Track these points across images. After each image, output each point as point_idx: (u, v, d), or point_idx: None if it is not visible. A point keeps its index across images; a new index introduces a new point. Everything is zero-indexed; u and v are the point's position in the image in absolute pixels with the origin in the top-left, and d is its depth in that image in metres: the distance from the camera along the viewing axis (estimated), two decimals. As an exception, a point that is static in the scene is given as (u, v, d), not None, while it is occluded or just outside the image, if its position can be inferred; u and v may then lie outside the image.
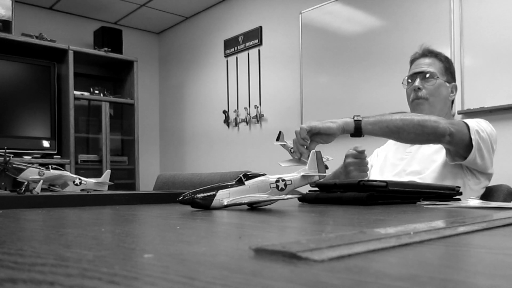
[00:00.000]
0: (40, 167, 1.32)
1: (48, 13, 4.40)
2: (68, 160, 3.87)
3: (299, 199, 1.05)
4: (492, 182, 1.48)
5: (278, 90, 3.75)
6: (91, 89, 4.28)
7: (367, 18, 3.13)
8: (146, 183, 4.41)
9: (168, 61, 5.04)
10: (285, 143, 1.21)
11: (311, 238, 0.39)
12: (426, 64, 1.51)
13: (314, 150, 0.94)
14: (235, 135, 4.15)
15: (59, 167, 1.37)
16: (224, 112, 4.19)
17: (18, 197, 1.03)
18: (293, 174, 0.91)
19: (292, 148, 1.20)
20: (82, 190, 1.46)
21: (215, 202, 0.82)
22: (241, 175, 0.86)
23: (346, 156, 1.43)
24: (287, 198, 0.83)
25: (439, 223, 0.49)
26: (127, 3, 4.32)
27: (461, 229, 0.45)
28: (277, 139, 1.21)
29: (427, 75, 1.49)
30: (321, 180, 0.97)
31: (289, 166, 1.14)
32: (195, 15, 4.66)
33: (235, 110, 4.11)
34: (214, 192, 0.82)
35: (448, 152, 1.36)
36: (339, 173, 1.48)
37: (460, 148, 1.30)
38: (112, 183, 1.61)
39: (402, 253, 0.33)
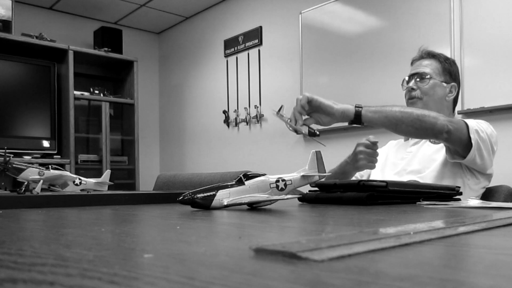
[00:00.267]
0: (40, 167, 1.32)
1: (48, 13, 4.40)
2: (68, 160, 3.87)
3: (299, 199, 1.05)
4: (493, 183, 1.48)
5: (278, 90, 3.75)
6: (91, 89, 4.28)
7: (367, 18, 3.13)
8: (146, 183, 4.41)
9: (168, 61, 5.04)
10: (283, 115, 1.23)
11: (311, 238, 0.39)
12: (423, 66, 1.55)
13: (314, 150, 0.94)
14: (235, 135, 4.15)
15: (59, 167, 1.37)
16: (224, 112, 4.19)
17: (18, 197, 1.03)
18: (293, 174, 0.91)
19: (289, 118, 1.22)
20: (82, 190, 1.46)
21: (215, 202, 0.82)
22: (241, 175, 0.86)
23: (358, 145, 1.45)
24: (287, 198, 0.83)
25: (439, 223, 0.49)
26: (127, 3, 4.32)
27: (461, 229, 0.45)
28: (278, 111, 1.23)
29: (422, 76, 1.52)
30: (321, 180, 0.97)
31: (281, 119, 1.20)
32: (195, 15, 4.66)
33: (235, 110, 4.11)
34: (214, 192, 0.82)
35: (448, 150, 1.36)
36: (345, 163, 1.51)
37: (458, 146, 1.31)
38: (112, 183, 1.61)
39: (402, 253, 0.33)
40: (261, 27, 3.93)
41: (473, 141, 1.27)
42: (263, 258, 0.30)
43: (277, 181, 0.88)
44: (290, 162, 3.58)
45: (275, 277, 0.25)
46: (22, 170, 1.27)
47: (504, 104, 2.38)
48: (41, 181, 1.26)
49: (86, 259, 0.31)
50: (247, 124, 4.02)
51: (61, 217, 0.75)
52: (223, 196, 0.82)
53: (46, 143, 3.91)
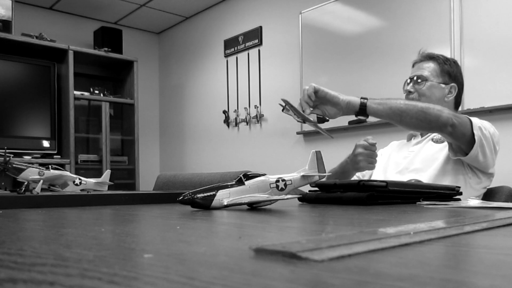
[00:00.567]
0: (40, 167, 1.32)
1: (48, 13, 4.40)
2: (68, 160, 3.87)
3: (299, 199, 1.05)
4: (494, 184, 1.48)
5: (278, 90, 3.74)
6: (91, 89, 4.28)
7: (367, 18, 3.13)
8: (146, 183, 4.41)
9: (168, 61, 5.04)
10: (289, 110, 1.23)
11: (311, 238, 0.39)
12: (420, 69, 1.57)
13: (314, 150, 0.94)
14: (235, 135, 4.15)
15: (59, 167, 1.37)
16: (224, 112, 4.19)
17: (18, 197, 1.03)
18: (293, 174, 0.91)
19: (295, 108, 1.24)
20: (82, 190, 1.46)
21: (215, 202, 0.82)
22: (241, 175, 0.86)
23: (357, 146, 1.46)
24: (287, 198, 0.83)
25: (439, 223, 0.49)
26: (127, 3, 4.32)
27: (461, 229, 0.45)
28: (284, 107, 1.23)
29: (419, 79, 1.54)
30: (321, 180, 0.97)
31: (287, 113, 1.21)
32: (195, 15, 4.66)
33: (235, 110, 4.11)
34: (214, 192, 0.82)
35: (451, 147, 1.37)
36: (346, 163, 1.52)
37: (461, 142, 1.31)
38: (112, 183, 1.61)
39: (402, 253, 0.33)
40: (261, 27, 3.93)
41: (476, 137, 1.28)
42: (263, 258, 0.30)
43: (277, 181, 0.88)
44: (290, 162, 3.58)
45: (275, 277, 0.25)
46: (22, 170, 1.27)
47: (504, 104, 2.38)
48: (41, 181, 1.26)
49: (86, 259, 0.31)
50: (247, 124, 4.02)
51: (61, 217, 0.75)
52: (223, 196, 0.82)
53: (46, 143, 3.91)
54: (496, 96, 2.41)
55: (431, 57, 1.58)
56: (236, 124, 4.11)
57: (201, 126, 4.54)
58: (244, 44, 4.06)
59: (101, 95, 4.30)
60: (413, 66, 1.63)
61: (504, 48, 2.39)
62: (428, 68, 1.55)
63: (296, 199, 1.04)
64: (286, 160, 3.64)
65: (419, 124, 1.28)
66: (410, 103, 1.28)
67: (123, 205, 1.07)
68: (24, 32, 3.94)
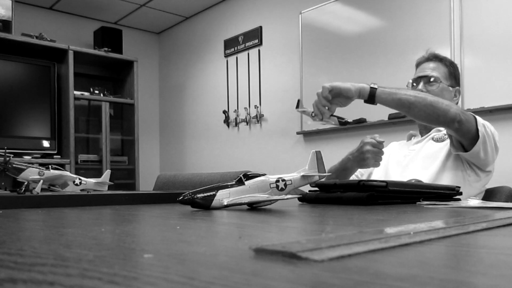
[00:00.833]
0: (40, 167, 1.32)
1: (48, 13, 4.40)
2: (68, 160, 3.87)
3: (299, 199, 1.05)
4: (494, 184, 1.48)
5: (278, 90, 3.75)
6: (91, 89, 4.28)
7: (367, 18, 3.13)
8: (146, 183, 4.41)
9: (168, 61, 5.04)
10: (305, 109, 1.25)
11: (311, 238, 0.39)
12: (431, 69, 1.55)
13: (314, 150, 0.94)
14: (235, 135, 4.15)
15: (59, 167, 1.37)
16: (224, 112, 4.19)
17: (18, 197, 1.03)
18: (293, 174, 0.91)
19: (313, 112, 1.24)
20: (82, 190, 1.46)
21: (215, 202, 0.82)
22: (241, 175, 0.86)
23: (365, 144, 1.45)
24: (287, 198, 0.83)
25: (439, 223, 0.49)
26: (127, 3, 4.32)
27: (461, 229, 0.45)
28: (297, 107, 1.24)
29: (431, 79, 1.53)
30: (321, 180, 0.97)
31: (314, 123, 1.22)
32: (195, 15, 4.66)
33: (235, 110, 4.11)
34: (214, 192, 0.82)
35: (452, 142, 1.37)
36: (347, 160, 1.51)
37: (465, 138, 1.32)
38: (112, 183, 1.61)
39: (402, 253, 0.33)
40: (261, 27, 3.93)
41: (480, 134, 1.29)
42: (263, 258, 0.30)
43: (277, 181, 0.88)
44: (290, 162, 3.58)
45: (275, 277, 0.25)
46: (22, 170, 1.27)
47: (504, 104, 2.38)
48: (41, 181, 1.26)
49: (86, 259, 0.31)
50: (247, 124, 4.02)
51: (61, 217, 0.75)
52: (223, 196, 0.82)
53: (46, 143, 3.91)
54: (496, 96, 2.41)
55: (440, 59, 1.58)
56: (236, 124, 4.11)
57: (201, 126, 4.54)
58: (244, 44, 4.06)
59: (101, 95, 4.30)
60: (418, 65, 1.61)
61: (504, 48, 2.39)
62: (438, 69, 1.55)
63: (296, 199, 1.04)
64: (286, 160, 3.64)
65: (427, 117, 1.30)
66: (419, 95, 1.29)
67: (123, 205, 1.07)
68: (24, 32, 3.94)
